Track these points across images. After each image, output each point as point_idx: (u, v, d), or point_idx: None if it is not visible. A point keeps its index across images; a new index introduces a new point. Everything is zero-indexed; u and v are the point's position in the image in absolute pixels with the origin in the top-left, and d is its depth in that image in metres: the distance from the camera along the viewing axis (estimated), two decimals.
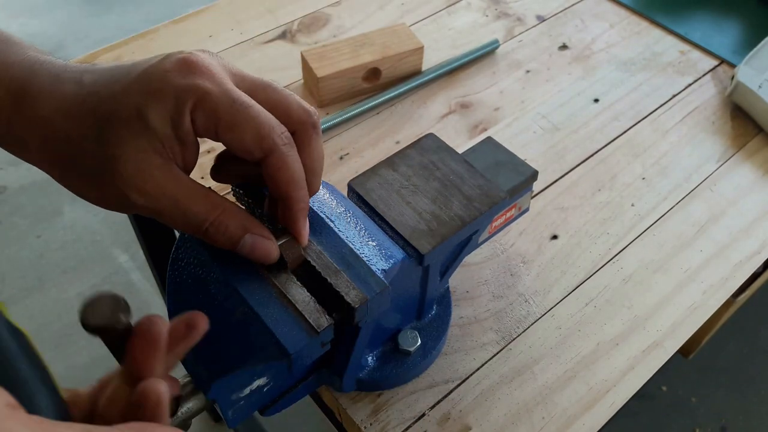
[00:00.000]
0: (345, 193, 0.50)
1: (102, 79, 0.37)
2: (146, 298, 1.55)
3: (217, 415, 1.34)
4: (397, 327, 0.54)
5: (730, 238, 0.67)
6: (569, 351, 0.58)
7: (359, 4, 0.90)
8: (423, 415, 0.54)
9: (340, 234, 0.44)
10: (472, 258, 0.64)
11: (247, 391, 0.42)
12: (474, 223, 0.48)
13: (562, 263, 0.64)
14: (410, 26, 0.87)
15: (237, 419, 0.43)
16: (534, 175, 0.55)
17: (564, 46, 0.86)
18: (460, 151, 0.54)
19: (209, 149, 0.71)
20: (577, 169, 0.73)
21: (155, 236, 0.97)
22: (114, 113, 0.35)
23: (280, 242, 0.41)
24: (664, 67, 0.84)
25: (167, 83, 0.35)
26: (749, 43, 0.86)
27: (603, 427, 0.54)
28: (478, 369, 0.56)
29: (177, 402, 0.39)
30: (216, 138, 0.37)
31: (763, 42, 0.81)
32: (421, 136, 0.54)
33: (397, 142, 0.74)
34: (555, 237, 0.66)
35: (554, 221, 0.67)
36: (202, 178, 0.68)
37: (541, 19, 0.90)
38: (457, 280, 0.62)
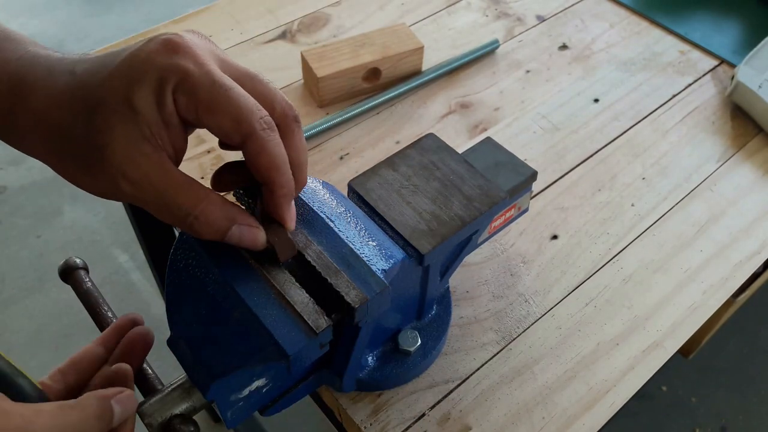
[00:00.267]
0: (345, 193, 0.50)
1: (93, 67, 0.37)
2: (146, 298, 1.55)
3: (217, 415, 1.34)
4: (397, 327, 0.54)
5: (730, 238, 0.67)
6: (569, 351, 0.58)
7: (359, 4, 0.90)
8: (423, 415, 0.54)
9: (340, 234, 0.44)
10: (472, 258, 0.64)
11: (246, 391, 0.42)
12: (474, 223, 0.48)
13: (562, 263, 0.64)
14: (410, 26, 0.87)
15: (236, 420, 0.43)
16: (533, 175, 0.55)
17: (564, 46, 0.86)
18: (460, 151, 0.54)
19: (209, 149, 0.71)
20: (577, 169, 0.72)
21: (155, 236, 0.97)
22: (102, 100, 0.36)
23: (270, 230, 0.41)
24: (664, 67, 0.84)
25: (150, 64, 0.36)
26: (749, 43, 0.86)
27: (603, 427, 0.54)
28: (478, 369, 0.56)
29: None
30: (197, 121, 0.37)
31: (763, 42, 0.81)
32: (421, 136, 0.54)
33: (397, 142, 0.74)
34: (555, 237, 0.66)
35: (554, 221, 0.67)
36: (202, 178, 0.68)
37: (541, 19, 0.90)
38: (457, 280, 0.62)
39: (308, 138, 0.73)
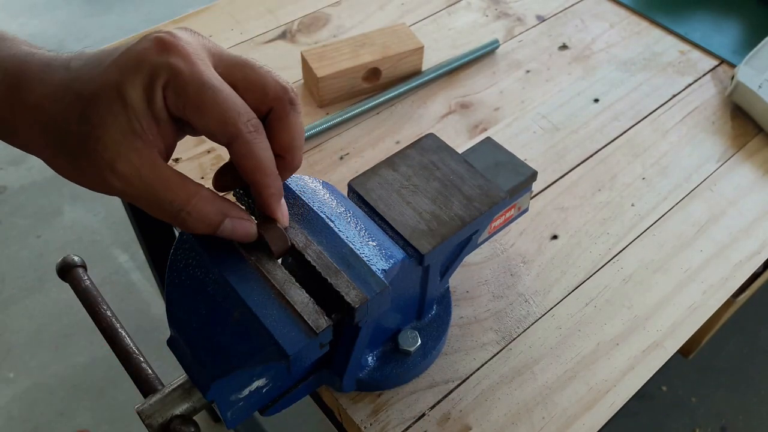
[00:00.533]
0: (345, 193, 0.50)
1: (88, 63, 0.38)
2: (146, 298, 1.55)
3: (217, 415, 1.34)
4: (397, 327, 0.54)
5: (730, 238, 0.67)
6: (569, 351, 0.58)
7: (359, 4, 0.90)
8: (423, 415, 0.54)
9: (340, 234, 0.44)
10: (472, 258, 0.64)
11: (246, 392, 0.42)
12: (474, 223, 0.48)
13: (562, 263, 0.64)
14: (410, 26, 0.87)
15: (236, 420, 0.43)
16: (533, 175, 0.55)
17: (564, 46, 0.86)
18: (460, 151, 0.54)
19: (209, 149, 0.71)
20: (577, 169, 0.72)
21: (155, 236, 0.98)
22: (96, 94, 0.36)
23: (264, 227, 0.41)
24: (664, 67, 0.84)
25: (143, 60, 0.36)
26: (749, 43, 0.86)
27: (603, 427, 0.54)
28: (478, 369, 0.56)
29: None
30: (185, 119, 0.38)
31: (763, 42, 0.81)
32: (421, 136, 0.54)
33: (397, 142, 0.74)
34: (555, 237, 0.66)
35: (554, 221, 0.67)
36: (202, 178, 0.68)
37: (541, 19, 0.90)
38: (457, 280, 0.62)
39: (308, 138, 0.73)
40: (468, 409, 0.54)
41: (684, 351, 1.36)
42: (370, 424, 0.53)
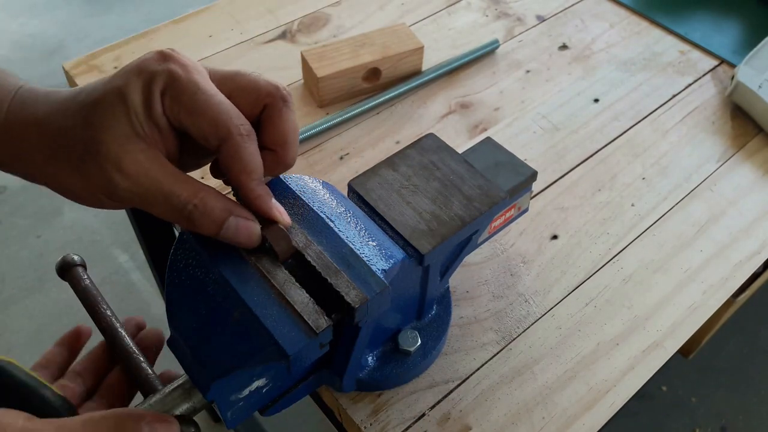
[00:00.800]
0: (345, 193, 0.50)
1: (93, 82, 0.40)
2: (146, 298, 1.55)
3: (217, 415, 1.34)
4: (397, 327, 0.54)
5: (730, 238, 0.67)
6: (569, 351, 0.58)
7: (359, 4, 0.90)
8: (423, 415, 0.54)
9: (340, 234, 0.44)
10: (472, 258, 0.64)
11: (246, 392, 0.42)
12: (474, 223, 0.48)
13: (562, 263, 0.64)
14: (410, 26, 0.87)
15: (236, 420, 0.43)
16: (533, 175, 0.55)
17: (564, 46, 0.86)
18: (460, 151, 0.54)
19: None
20: (577, 169, 0.72)
21: (155, 236, 0.98)
22: (99, 100, 0.38)
23: (266, 230, 0.41)
24: (664, 67, 0.84)
25: (144, 68, 0.38)
26: (749, 43, 0.86)
27: (603, 427, 0.54)
28: (478, 369, 0.56)
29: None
30: (181, 125, 0.39)
31: (763, 42, 0.81)
32: (421, 136, 0.54)
33: (397, 142, 0.74)
34: (555, 237, 0.66)
35: (554, 221, 0.67)
36: (203, 177, 0.68)
37: (541, 19, 0.90)
38: (457, 280, 0.62)
39: (308, 138, 0.73)
40: (468, 409, 0.54)
41: (684, 351, 1.36)
42: (370, 424, 0.53)
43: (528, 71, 0.83)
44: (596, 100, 0.80)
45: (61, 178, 0.39)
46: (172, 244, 0.43)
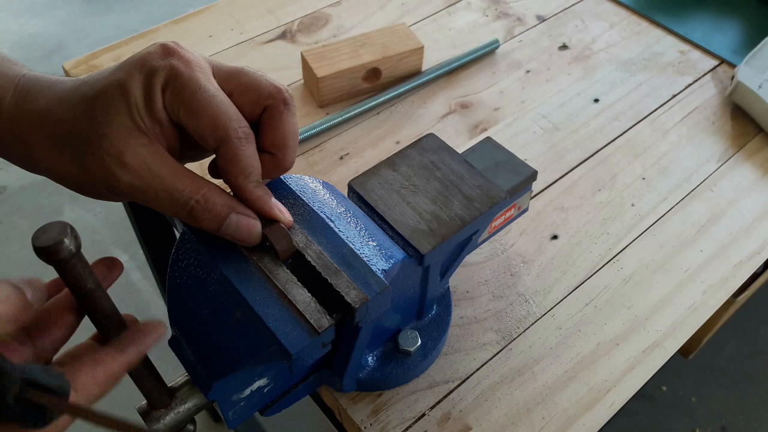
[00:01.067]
0: (345, 193, 0.50)
1: (98, 72, 0.40)
2: (146, 298, 1.55)
3: (217, 414, 1.34)
4: (397, 327, 0.54)
5: (730, 238, 0.67)
6: (569, 351, 0.58)
7: (359, 4, 0.90)
8: (423, 415, 0.54)
9: (340, 234, 0.44)
10: (472, 258, 0.64)
11: (247, 391, 0.42)
12: (474, 223, 0.48)
13: (562, 263, 0.64)
14: (410, 26, 0.87)
15: (237, 420, 0.43)
16: (533, 175, 0.55)
17: (564, 46, 0.86)
18: (460, 151, 0.54)
19: None
20: (577, 169, 0.73)
21: (155, 236, 0.98)
22: (101, 93, 0.38)
23: (268, 229, 0.41)
24: (664, 67, 0.84)
25: (147, 62, 0.38)
26: (749, 43, 0.86)
27: (603, 427, 0.54)
28: (478, 369, 0.56)
29: None
30: (180, 122, 0.39)
31: (763, 42, 0.81)
32: (421, 136, 0.54)
33: (397, 142, 0.74)
34: (555, 237, 0.66)
35: (554, 221, 0.67)
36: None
37: (541, 19, 0.90)
38: (457, 280, 0.62)
39: (308, 138, 0.73)
40: (468, 409, 0.54)
41: (684, 351, 1.36)
42: (370, 424, 0.53)
43: (528, 71, 0.83)
44: (596, 100, 0.80)
45: (62, 170, 0.39)
46: (172, 244, 0.43)
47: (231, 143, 0.38)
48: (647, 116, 0.79)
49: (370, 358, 0.53)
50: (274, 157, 0.42)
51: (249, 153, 0.39)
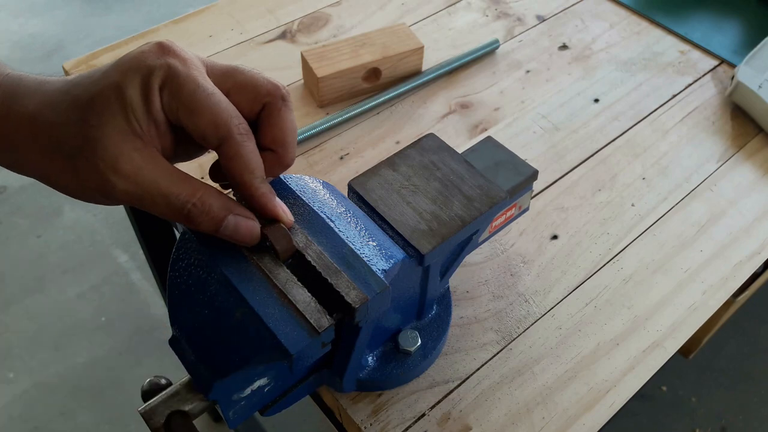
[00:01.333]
0: (345, 193, 0.50)
1: (87, 72, 0.39)
2: (146, 298, 1.55)
3: (218, 414, 1.34)
4: (397, 327, 0.55)
5: (730, 238, 0.67)
6: (569, 351, 0.58)
7: (359, 4, 0.90)
8: (423, 415, 0.54)
9: (340, 234, 0.44)
10: (472, 258, 0.64)
11: (248, 391, 0.42)
12: (474, 223, 0.48)
13: (563, 263, 0.64)
14: (410, 26, 0.87)
15: (238, 420, 0.44)
16: (534, 174, 0.55)
17: (564, 46, 0.86)
18: (460, 151, 0.54)
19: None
20: (577, 169, 0.73)
21: (155, 236, 0.98)
22: (95, 96, 0.37)
23: (267, 228, 0.41)
24: (664, 67, 0.84)
25: (142, 61, 0.37)
26: (749, 43, 0.86)
27: (603, 427, 0.54)
28: (478, 369, 0.56)
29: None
30: (179, 122, 0.38)
31: (763, 42, 0.81)
32: (421, 136, 0.54)
33: (397, 142, 0.74)
34: (555, 237, 0.66)
35: (554, 221, 0.67)
36: (202, 178, 0.68)
37: (541, 19, 0.90)
38: (457, 280, 0.62)
39: (308, 138, 0.73)
40: (468, 409, 0.54)
41: (684, 351, 1.36)
42: (370, 424, 0.53)
43: (528, 71, 0.83)
44: (596, 100, 0.80)
45: (54, 175, 0.38)
46: (172, 244, 0.43)
47: (233, 140, 0.38)
48: (647, 116, 0.79)
49: (370, 358, 0.53)
50: (275, 154, 0.42)
51: (250, 148, 0.39)
